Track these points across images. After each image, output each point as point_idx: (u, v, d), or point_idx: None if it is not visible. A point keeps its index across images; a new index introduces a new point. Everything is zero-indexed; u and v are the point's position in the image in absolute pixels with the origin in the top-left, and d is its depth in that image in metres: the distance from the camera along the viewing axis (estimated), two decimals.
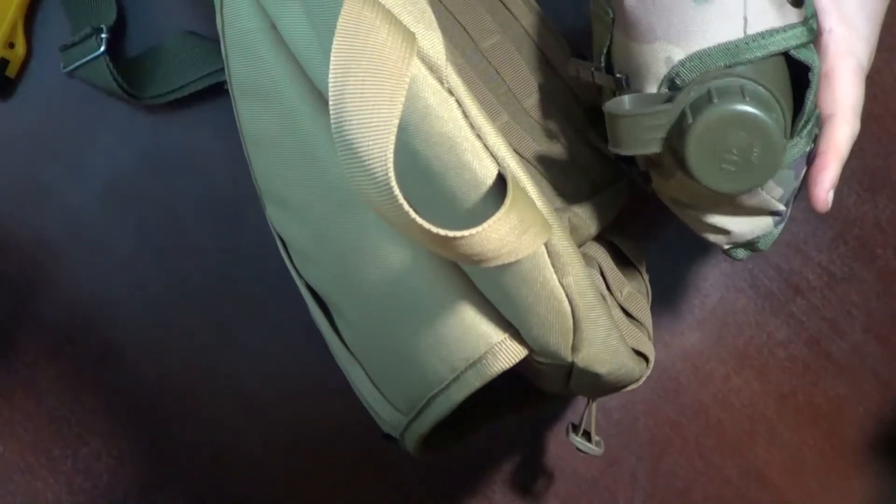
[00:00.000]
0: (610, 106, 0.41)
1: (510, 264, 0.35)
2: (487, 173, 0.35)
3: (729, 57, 0.39)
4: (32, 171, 0.63)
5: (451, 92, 0.35)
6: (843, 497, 0.61)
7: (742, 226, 0.44)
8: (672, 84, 0.40)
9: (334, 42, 0.31)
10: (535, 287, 0.36)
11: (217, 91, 0.61)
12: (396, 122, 0.30)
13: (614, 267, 0.45)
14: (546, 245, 0.36)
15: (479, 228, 0.31)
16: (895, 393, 0.60)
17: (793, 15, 0.40)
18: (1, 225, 0.63)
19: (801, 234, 0.60)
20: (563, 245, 0.36)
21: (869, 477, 0.61)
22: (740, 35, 0.39)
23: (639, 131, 0.39)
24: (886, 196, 0.60)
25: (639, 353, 0.44)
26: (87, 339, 0.63)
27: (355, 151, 0.30)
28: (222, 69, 0.60)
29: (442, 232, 0.31)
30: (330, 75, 0.30)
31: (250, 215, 0.62)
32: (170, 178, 0.62)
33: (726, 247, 0.45)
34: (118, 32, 0.62)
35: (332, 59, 0.31)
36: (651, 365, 0.45)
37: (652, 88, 0.41)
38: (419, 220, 0.30)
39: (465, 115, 0.35)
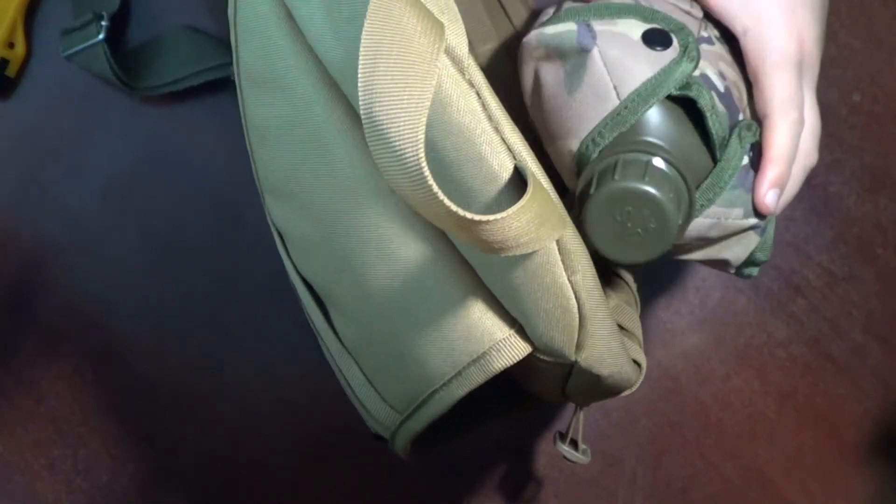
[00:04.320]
0: None
1: (521, 259, 0.35)
2: (503, 167, 0.35)
3: (614, 128, 0.39)
4: (32, 171, 0.63)
5: (471, 84, 0.35)
6: (843, 497, 0.61)
7: (733, 250, 0.44)
8: (580, 174, 0.41)
9: (365, 25, 0.31)
10: (543, 282, 0.36)
11: (216, 90, 0.61)
12: (427, 105, 0.30)
13: (597, 278, 0.45)
14: (557, 241, 0.36)
15: (504, 214, 0.31)
16: (895, 393, 0.60)
17: (664, 58, 0.40)
18: (1, 225, 0.63)
19: (801, 234, 0.60)
20: (574, 243, 0.37)
21: (869, 477, 0.61)
22: (616, 103, 0.39)
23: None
24: (886, 196, 0.60)
25: (633, 361, 0.44)
26: (87, 339, 0.63)
27: (385, 134, 0.30)
28: (221, 65, 0.59)
29: (469, 215, 0.31)
30: (360, 57, 0.30)
31: (250, 215, 0.62)
32: (169, 178, 0.62)
33: (733, 271, 0.46)
34: (120, 21, 0.61)
35: (363, 40, 0.31)
36: (644, 372, 0.45)
37: (572, 185, 0.42)
38: (447, 202, 0.31)
39: (485, 107, 0.35)
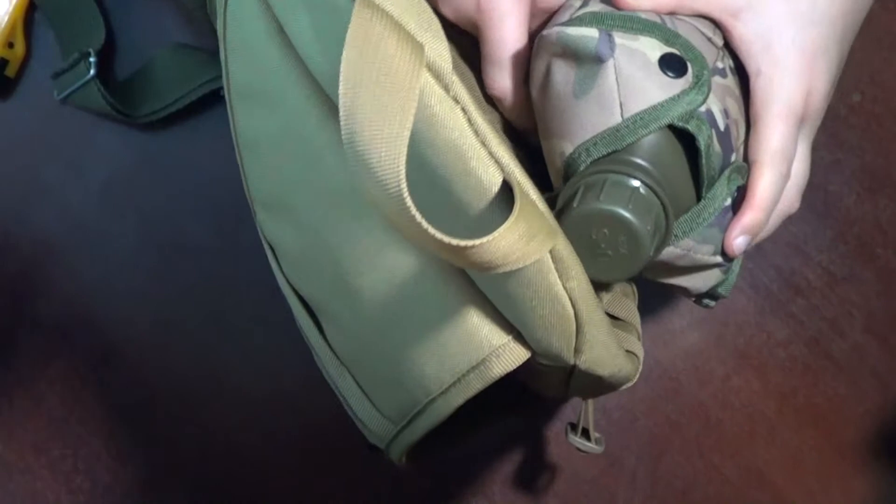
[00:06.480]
0: None
1: (516, 269, 0.36)
2: (493, 180, 0.35)
3: (610, 144, 0.39)
4: (32, 171, 0.63)
5: (456, 100, 0.35)
6: (843, 497, 0.61)
7: (695, 281, 0.44)
8: (567, 178, 0.41)
9: (344, 54, 0.31)
10: (539, 291, 0.37)
11: (215, 92, 0.61)
12: (408, 133, 0.31)
13: (590, 283, 0.45)
14: (550, 251, 0.36)
15: (490, 237, 0.31)
16: (895, 393, 0.60)
17: (675, 86, 0.40)
18: (1, 225, 0.63)
19: (801, 234, 0.60)
20: (567, 250, 0.37)
21: (869, 477, 0.61)
22: (618, 120, 0.39)
23: None
24: (886, 196, 0.60)
25: (630, 353, 0.45)
26: (86, 339, 0.63)
27: (367, 163, 0.30)
28: (214, 79, 0.60)
29: (454, 242, 0.31)
30: (340, 87, 0.30)
31: (250, 215, 0.62)
32: (169, 178, 0.62)
33: (692, 299, 0.46)
34: (108, 55, 0.62)
35: (342, 70, 0.31)
36: (641, 363, 0.45)
37: (558, 184, 0.42)
38: (431, 230, 0.31)
39: (471, 122, 0.35)
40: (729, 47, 0.44)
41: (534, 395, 0.50)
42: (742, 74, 0.43)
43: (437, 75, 0.35)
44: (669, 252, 0.41)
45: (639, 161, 0.39)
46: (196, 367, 0.63)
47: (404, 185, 0.30)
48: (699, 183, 0.41)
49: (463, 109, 0.35)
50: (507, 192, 0.35)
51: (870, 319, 0.60)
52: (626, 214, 0.38)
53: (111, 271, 0.63)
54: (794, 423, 0.61)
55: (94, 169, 0.63)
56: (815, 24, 0.42)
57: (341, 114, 0.31)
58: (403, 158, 0.30)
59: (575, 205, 0.38)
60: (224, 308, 0.63)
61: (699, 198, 0.41)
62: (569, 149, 0.41)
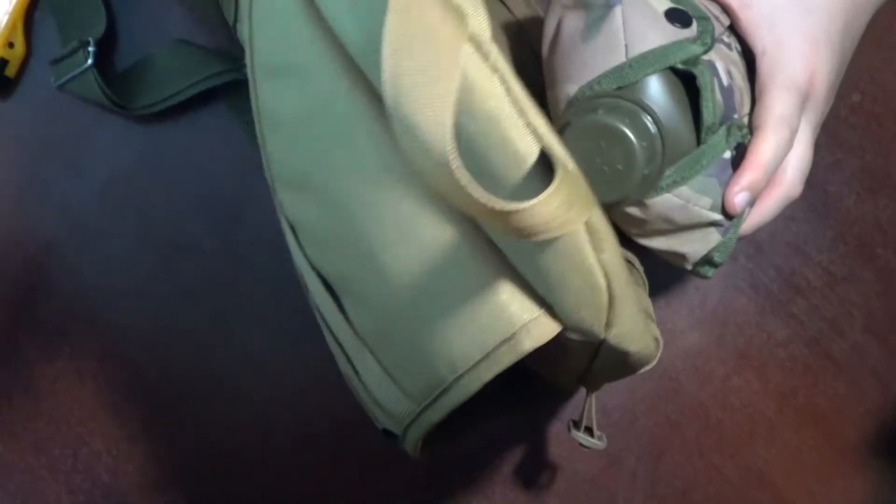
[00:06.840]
0: None
1: (550, 240, 0.36)
2: (530, 150, 0.35)
3: (614, 81, 0.41)
4: (32, 171, 0.63)
5: (495, 69, 0.35)
6: (843, 497, 0.61)
7: (693, 244, 0.45)
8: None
9: (387, 20, 0.31)
10: (573, 263, 0.37)
11: (215, 92, 0.61)
12: (454, 97, 0.31)
13: (622, 257, 0.46)
14: (585, 222, 0.36)
15: (534, 202, 0.32)
16: (895, 393, 0.60)
17: (679, 35, 0.42)
18: (1, 225, 0.63)
19: (801, 234, 0.60)
20: (601, 222, 0.37)
21: (869, 477, 0.61)
22: (623, 60, 0.41)
23: None
24: (886, 196, 0.60)
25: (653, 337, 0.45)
26: (87, 339, 0.63)
27: (413, 127, 0.30)
28: (213, 76, 0.60)
29: (498, 205, 0.31)
30: (383, 52, 0.31)
31: (250, 215, 0.62)
32: (169, 177, 0.62)
33: (690, 268, 0.47)
34: (108, 45, 0.62)
35: (385, 36, 0.31)
36: (661, 347, 0.45)
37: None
38: (479, 192, 0.31)
39: (509, 92, 0.35)
40: (736, 34, 0.45)
41: (540, 389, 0.50)
42: (749, 61, 0.45)
43: (476, 44, 0.35)
44: (668, 202, 0.42)
45: (641, 98, 0.41)
46: (196, 367, 0.63)
47: (451, 146, 0.30)
48: (699, 129, 0.42)
49: (501, 79, 0.35)
50: (542, 165, 0.35)
51: (870, 319, 0.60)
52: (623, 128, 0.40)
53: (111, 271, 0.63)
54: (794, 423, 0.61)
55: (94, 169, 0.63)
56: (813, 12, 0.44)
57: (384, 79, 0.31)
58: (450, 121, 0.30)
59: (575, 120, 0.40)
60: (224, 308, 0.63)
61: (699, 145, 0.42)
62: (573, 90, 0.42)
